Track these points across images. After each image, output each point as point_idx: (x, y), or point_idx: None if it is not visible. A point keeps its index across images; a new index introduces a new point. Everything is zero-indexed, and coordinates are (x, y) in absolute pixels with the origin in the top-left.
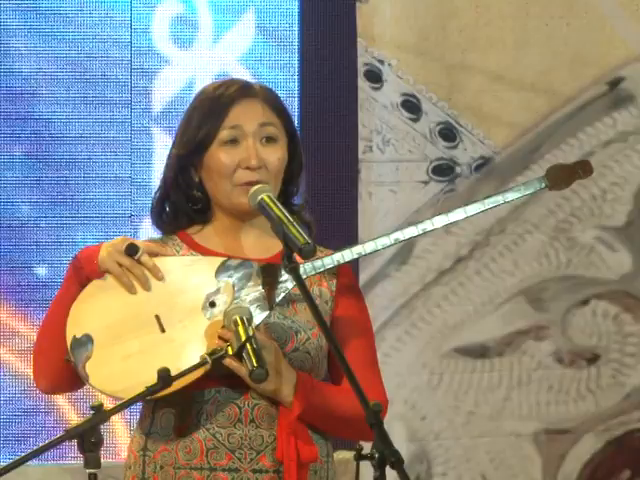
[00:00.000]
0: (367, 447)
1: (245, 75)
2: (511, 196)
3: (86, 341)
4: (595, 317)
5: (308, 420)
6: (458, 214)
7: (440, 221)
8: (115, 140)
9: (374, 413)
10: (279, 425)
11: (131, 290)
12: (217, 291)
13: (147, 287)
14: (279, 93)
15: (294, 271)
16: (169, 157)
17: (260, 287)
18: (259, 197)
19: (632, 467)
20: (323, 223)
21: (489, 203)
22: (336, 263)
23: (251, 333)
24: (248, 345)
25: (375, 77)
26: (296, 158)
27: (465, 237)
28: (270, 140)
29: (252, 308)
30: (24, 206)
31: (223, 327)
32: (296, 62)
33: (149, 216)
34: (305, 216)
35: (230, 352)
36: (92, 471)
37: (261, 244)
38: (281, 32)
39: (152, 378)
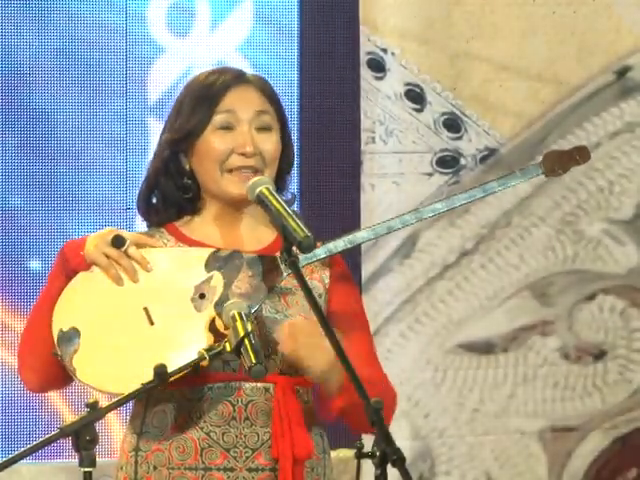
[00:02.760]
0: (368, 445)
1: (243, 64)
2: (508, 182)
3: (73, 334)
4: (602, 312)
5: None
6: (457, 200)
7: (438, 207)
8: (110, 130)
9: (375, 410)
10: (274, 422)
11: (118, 282)
12: (206, 282)
13: (135, 279)
14: (278, 83)
15: (293, 265)
16: (159, 145)
17: (250, 279)
18: (258, 189)
19: (639, 465)
20: (325, 215)
21: (487, 189)
22: (328, 253)
23: (250, 329)
24: (246, 341)
25: (378, 66)
26: (287, 150)
27: (470, 230)
28: (265, 129)
29: (242, 300)
30: (17, 198)
31: (213, 321)
32: (296, 51)
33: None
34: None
35: (228, 348)
36: (87, 470)
37: (253, 235)
38: (280, 20)
39: (141, 371)
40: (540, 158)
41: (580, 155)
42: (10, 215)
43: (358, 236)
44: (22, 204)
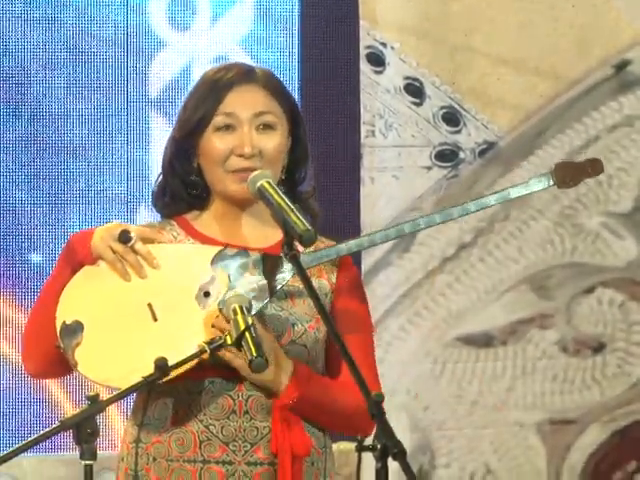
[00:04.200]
0: (369, 438)
1: (244, 58)
2: (516, 192)
3: (76, 327)
4: (601, 305)
5: (304, 412)
6: (463, 210)
7: (445, 216)
8: (111, 124)
9: (376, 403)
10: (274, 416)
11: (124, 277)
12: (212, 280)
13: (140, 274)
14: (279, 77)
15: (294, 259)
16: (167, 141)
17: (256, 277)
18: (258, 183)
19: (639, 458)
20: (325, 209)
21: (494, 200)
22: (339, 254)
23: (250, 322)
24: (247, 334)
25: (377, 60)
26: (300, 144)
27: (468, 224)
28: (267, 128)
29: (243, 294)
30: (18, 191)
31: (217, 316)
32: (296, 45)
33: (146, 201)
34: (312, 205)
35: (229, 341)
36: (88, 462)
37: (260, 233)
38: (281, 14)
39: (142, 366)
40: (546, 156)
41: (592, 168)
42: (12, 208)
43: (369, 239)
44: (24, 197)
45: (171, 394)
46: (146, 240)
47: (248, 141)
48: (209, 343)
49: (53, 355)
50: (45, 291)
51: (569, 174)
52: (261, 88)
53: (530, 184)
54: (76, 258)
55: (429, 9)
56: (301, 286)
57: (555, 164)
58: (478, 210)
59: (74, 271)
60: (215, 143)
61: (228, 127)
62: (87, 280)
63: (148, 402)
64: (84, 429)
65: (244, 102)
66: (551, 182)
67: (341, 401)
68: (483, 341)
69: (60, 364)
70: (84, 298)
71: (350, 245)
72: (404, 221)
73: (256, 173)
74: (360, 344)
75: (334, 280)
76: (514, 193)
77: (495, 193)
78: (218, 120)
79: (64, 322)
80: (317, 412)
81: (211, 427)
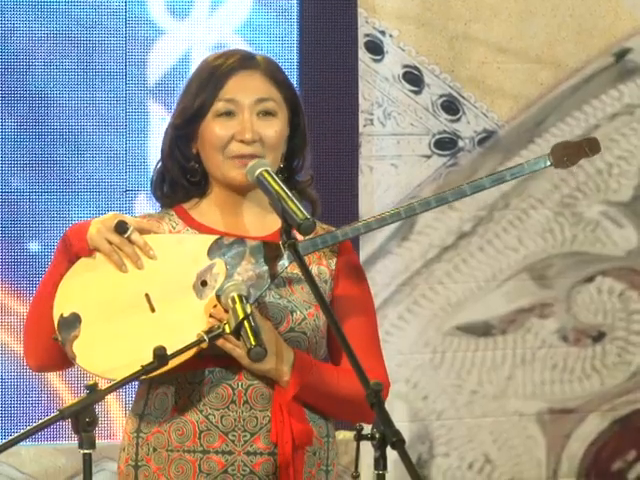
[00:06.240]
0: (368, 427)
1: (243, 46)
2: (514, 174)
3: (74, 320)
4: (600, 294)
5: (306, 400)
6: (460, 192)
7: (444, 198)
8: (109, 113)
9: (375, 392)
10: (274, 406)
11: (121, 268)
12: (209, 270)
13: (137, 265)
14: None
15: (293, 247)
16: (167, 127)
17: (254, 265)
18: (257, 172)
19: (638, 447)
20: (323, 198)
21: (491, 181)
22: (336, 240)
23: (249, 311)
24: (246, 323)
25: (376, 48)
26: (298, 133)
27: (468, 212)
28: (267, 114)
29: (241, 282)
30: (17, 180)
31: (215, 306)
32: (295, 33)
33: (144, 190)
34: (310, 193)
35: (228, 330)
36: (87, 452)
37: (259, 221)
38: (280, 2)
39: (141, 358)
40: (546, 144)
41: (590, 147)
42: (10, 198)
43: (365, 224)
44: (22, 187)
45: (171, 384)
46: (143, 231)
47: (249, 127)
48: (208, 332)
49: (53, 348)
50: (42, 284)
51: (566, 154)
52: (262, 75)
53: (528, 165)
54: (72, 250)
55: None
56: (300, 273)
57: (553, 145)
58: (474, 193)
59: (71, 263)
60: (215, 129)
61: (229, 113)
62: (84, 272)
63: (149, 392)
64: (83, 418)
65: (245, 88)
66: (548, 163)
67: (343, 388)
68: (482, 330)
69: (60, 357)
70: (81, 290)
71: (346, 231)
72: (400, 206)
73: (254, 162)
74: (362, 330)
75: (333, 266)
76: (511, 175)
77: (492, 174)
78: (219, 106)
79: (61, 314)
80: (319, 399)
81: (210, 417)
